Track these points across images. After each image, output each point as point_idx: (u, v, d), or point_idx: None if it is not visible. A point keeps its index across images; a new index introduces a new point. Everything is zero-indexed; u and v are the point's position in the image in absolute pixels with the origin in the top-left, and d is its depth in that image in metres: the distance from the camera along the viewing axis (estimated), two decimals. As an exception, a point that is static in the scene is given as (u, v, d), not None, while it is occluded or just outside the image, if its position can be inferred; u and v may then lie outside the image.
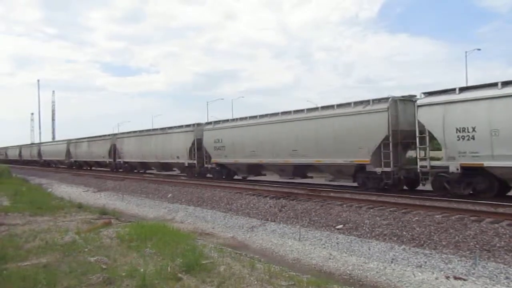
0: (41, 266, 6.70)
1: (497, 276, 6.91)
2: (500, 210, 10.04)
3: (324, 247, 9.53)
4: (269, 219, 12.38)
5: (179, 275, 6.16)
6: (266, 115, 19.15)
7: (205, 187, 18.59)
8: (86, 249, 7.98)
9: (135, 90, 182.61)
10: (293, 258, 9.29)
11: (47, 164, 50.59)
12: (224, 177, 22.05)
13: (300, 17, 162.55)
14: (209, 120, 24.75)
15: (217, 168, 22.44)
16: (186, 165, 24.32)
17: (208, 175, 23.79)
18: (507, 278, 6.82)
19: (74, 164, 42.84)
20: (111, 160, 34.21)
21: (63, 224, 11.17)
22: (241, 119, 20.82)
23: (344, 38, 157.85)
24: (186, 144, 24.12)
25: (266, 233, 11.25)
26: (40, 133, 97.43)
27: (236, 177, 22.30)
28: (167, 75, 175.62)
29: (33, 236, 9.30)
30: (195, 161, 23.52)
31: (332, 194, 14.04)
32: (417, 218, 9.88)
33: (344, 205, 12.00)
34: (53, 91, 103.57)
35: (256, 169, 20.41)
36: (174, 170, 28.11)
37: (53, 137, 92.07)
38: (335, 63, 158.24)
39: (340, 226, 10.57)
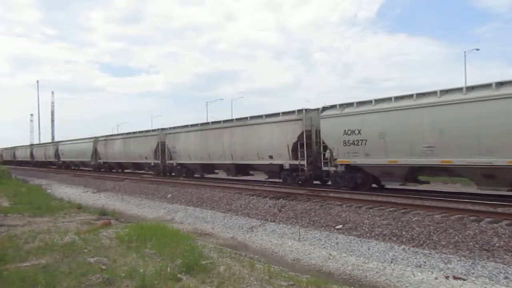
0: (41, 267, 6.71)
1: (496, 276, 6.92)
2: (500, 210, 10.06)
3: (324, 247, 9.54)
4: (269, 219, 12.39)
5: (179, 275, 6.17)
6: (458, 89, 11.74)
7: (205, 187, 18.58)
8: (85, 250, 7.99)
9: (134, 90, 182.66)
10: (292, 258, 9.30)
11: (67, 166, 44.08)
12: (355, 185, 14.84)
13: (299, 18, 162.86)
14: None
15: (339, 172, 15.08)
16: (287, 167, 17.22)
17: (316, 182, 17.04)
18: (506, 278, 6.83)
19: (102, 166, 35.97)
20: (158, 161, 26.97)
21: (62, 225, 11.18)
22: (399, 98, 13.15)
23: (343, 39, 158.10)
24: (286, 138, 16.97)
25: (266, 233, 11.25)
26: (39, 134, 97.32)
27: (374, 185, 15.19)
28: (167, 75, 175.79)
29: (32, 237, 9.31)
30: (304, 162, 16.33)
31: (331, 195, 14.03)
32: (416, 218, 9.89)
33: (344, 205, 12.01)
34: (52, 92, 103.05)
35: (415, 173, 13.52)
36: (252, 174, 21.46)
37: (52, 138, 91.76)
38: (334, 63, 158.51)
39: (340, 226, 10.58)
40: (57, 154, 45.25)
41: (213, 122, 22.84)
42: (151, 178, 25.47)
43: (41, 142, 76.78)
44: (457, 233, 8.65)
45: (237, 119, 20.83)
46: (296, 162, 16.67)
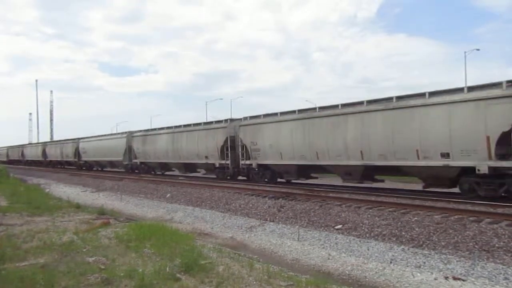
0: (39, 267, 6.67)
1: (496, 277, 6.91)
2: (499, 210, 10.05)
3: (323, 247, 9.52)
4: (268, 219, 12.37)
5: (178, 275, 6.15)
6: None
7: (204, 187, 18.55)
8: (84, 249, 7.96)
9: (133, 90, 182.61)
10: (292, 258, 9.28)
11: (89, 166, 38.82)
12: None
13: (299, 18, 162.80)
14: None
15: None
16: (482, 171, 11.07)
17: None
18: (506, 278, 6.82)
19: (138, 167, 29.77)
20: (226, 162, 20.94)
21: (61, 224, 11.14)
22: None
23: (342, 39, 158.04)
24: (485, 126, 10.96)
25: (265, 233, 11.24)
26: (38, 133, 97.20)
27: None
28: (166, 75, 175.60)
29: (31, 236, 9.28)
30: None
31: (331, 194, 14.03)
32: (416, 218, 9.88)
33: (343, 205, 11.99)
34: (51, 91, 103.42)
35: None
36: (382, 180, 15.88)
37: (51, 137, 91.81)
38: (334, 63, 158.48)
39: (339, 226, 10.57)
40: (77, 153, 39.44)
41: (321, 108, 16.61)
42: (150, 178, 25.41)
43: (40, 141, 76.13)
44: (456, 233, 8.64)
45: (369, 101, 14.42)
46: (506, 164, 10.57)
